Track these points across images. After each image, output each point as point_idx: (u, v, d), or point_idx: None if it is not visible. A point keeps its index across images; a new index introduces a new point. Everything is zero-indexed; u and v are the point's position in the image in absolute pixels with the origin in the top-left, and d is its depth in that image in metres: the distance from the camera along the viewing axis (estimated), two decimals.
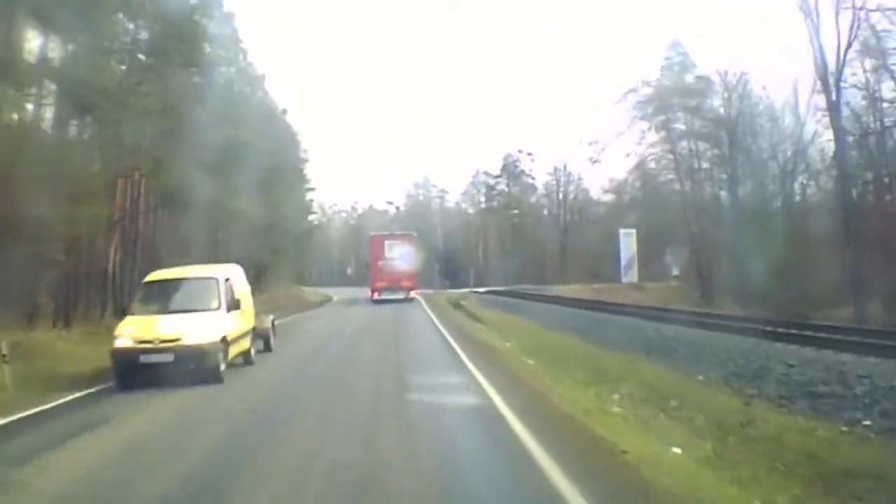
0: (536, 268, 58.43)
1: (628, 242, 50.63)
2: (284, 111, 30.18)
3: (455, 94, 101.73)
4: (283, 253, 36.19)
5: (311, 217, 43.05)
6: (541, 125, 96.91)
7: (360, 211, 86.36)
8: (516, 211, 65.17)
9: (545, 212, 65.67)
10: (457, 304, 31.01)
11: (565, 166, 61.12)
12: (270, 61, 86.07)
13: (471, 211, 70.61)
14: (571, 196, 61.55)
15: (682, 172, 28.42)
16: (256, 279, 34.58)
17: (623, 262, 50.51)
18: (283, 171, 27.05)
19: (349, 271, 65.41)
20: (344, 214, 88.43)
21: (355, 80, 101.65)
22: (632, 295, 34.21)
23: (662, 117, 28.84)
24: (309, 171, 41.80)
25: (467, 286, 45.32)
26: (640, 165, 29.97)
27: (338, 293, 46.04)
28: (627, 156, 30.94)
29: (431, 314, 24.14)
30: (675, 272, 46.90)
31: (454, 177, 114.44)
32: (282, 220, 28.79)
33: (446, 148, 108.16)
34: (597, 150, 32.24)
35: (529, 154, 63.12)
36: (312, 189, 42.13)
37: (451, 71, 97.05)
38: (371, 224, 69.18)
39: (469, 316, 24.09)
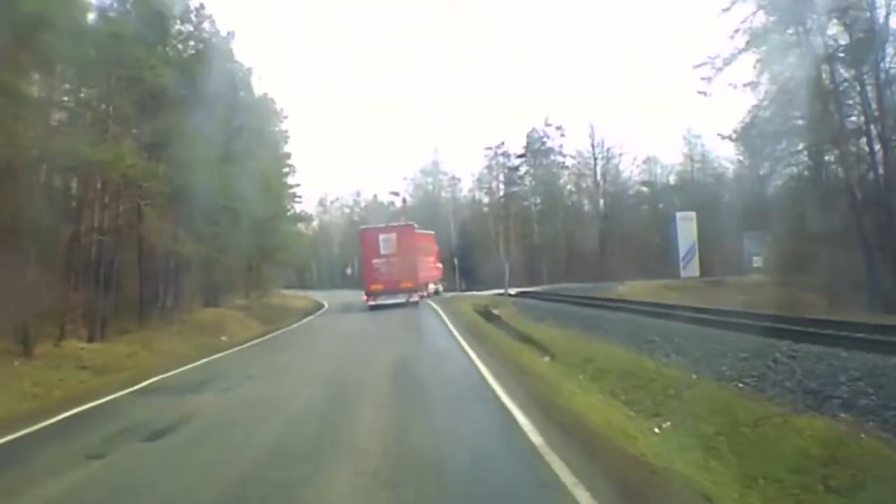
0: (572, 262, 48.96)
1: (687, 229, 41.41)
2: (230, 33, 20.89)
3: (465, 62, 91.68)
4: (254, 250, 27.28)
5: (290, 204, 33.71)
6: (569, 94, 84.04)
7: (363, 204, 78.34)
8: (537, 199, 55.71)
9: (572, 200, 56.05)
10: (488, 314, 21.98)
11: (602, 141, 51.58)
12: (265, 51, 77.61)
13: (486, 200, 61.19)
14: (610, 175, 51.75)
15: (835, 113, 18.91)
16: (207, 285, 25.38)
17: (682, 253, 41.29)
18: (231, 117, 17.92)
19: (348, 271, 56.45)
20: (347, 210, 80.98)
21: (352, 60, 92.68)
22: (724, 295, 24.87)
23: (794, 31, 19.38)
24: (294, 157, 33.36)
25: (486, 286, 36.29)
26: (770, 100, 20.18)
27: (333, 298, 37.58)
28: (738, 87, 21.34)
29: (457, 334, 15.00)
30: (757, 263, 37.73)
31: (467, 162, 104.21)
32: (240, 201, 19.58)
33: (457, 130, 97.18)
34: (708, 74, 22.61)
35: (559, 128, 53.38)
36: (292, 167, 33.01)
37: (460, 37, 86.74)
38: (376, 219, 60.55)
39: (516, 336, 14.92)
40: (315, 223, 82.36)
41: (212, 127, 16.00)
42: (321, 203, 78.64)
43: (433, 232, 36.89)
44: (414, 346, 13.72)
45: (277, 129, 32.20)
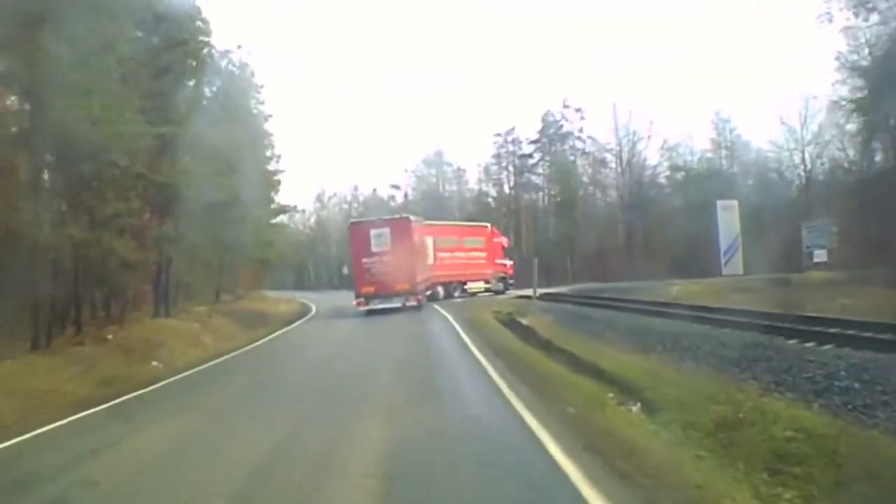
0: (592, 259, 43.76)
1: (729, 220, 36.26)
2: None
3: (469, 49, 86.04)
4: (227, 245, 22.43)
5: (272, 193, 28.68)
6: (586, 79, 77.71)
7: (361, 199, 73.66)
8: (552, 190, 50.51)
9: (590, 190, 50.78)
10: (513, 322, 17.04)
11: (627, 125, 46.22)
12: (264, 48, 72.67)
13: (494, 193, 55.98)
14: (636, 162, 46.36)
15: None
16: (158, 287, 19.93)
17: (724, 248, 36.17)
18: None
19: (345, 271, 51.50)
20: (345, 206, 76.41)
21: (348, 49, 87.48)
22: (813, 298, 19.66)
23: None
24: (287, 150, 28.56)
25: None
26: None
27: (325, 301, 32.90)
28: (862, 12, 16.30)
29: (485, 363, 9.86)
30: (820, 258, 32.63)
31: (473, 154, 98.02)
32: (180, 175, 14.45)
33: (461, 121, 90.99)
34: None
35: (578, 110, 48.03)
36: (272, 147, 27.98)
37: (462, 22, 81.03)
38: (375, 214, 55.65)
39: (572, 364, 9.77)
40: (312, 220, 77.79)
41: (117, 62, 10.90)
42: (318, 199, 74.22)
43: (487, 224, 32.97)
44: (423, 398, 7.78)
45: (254, 100, 27.26)
